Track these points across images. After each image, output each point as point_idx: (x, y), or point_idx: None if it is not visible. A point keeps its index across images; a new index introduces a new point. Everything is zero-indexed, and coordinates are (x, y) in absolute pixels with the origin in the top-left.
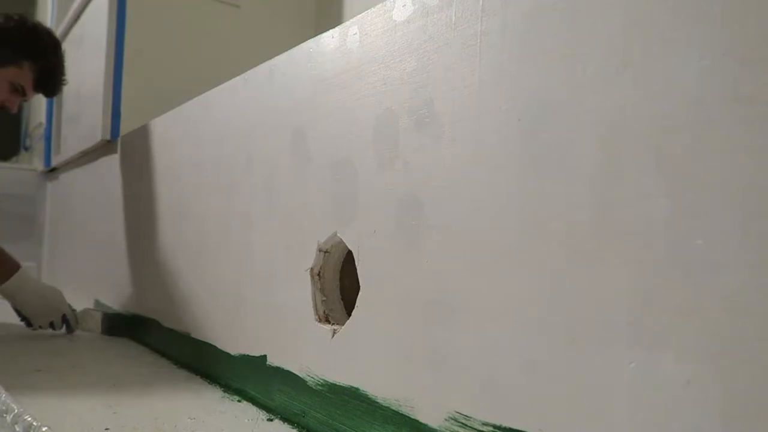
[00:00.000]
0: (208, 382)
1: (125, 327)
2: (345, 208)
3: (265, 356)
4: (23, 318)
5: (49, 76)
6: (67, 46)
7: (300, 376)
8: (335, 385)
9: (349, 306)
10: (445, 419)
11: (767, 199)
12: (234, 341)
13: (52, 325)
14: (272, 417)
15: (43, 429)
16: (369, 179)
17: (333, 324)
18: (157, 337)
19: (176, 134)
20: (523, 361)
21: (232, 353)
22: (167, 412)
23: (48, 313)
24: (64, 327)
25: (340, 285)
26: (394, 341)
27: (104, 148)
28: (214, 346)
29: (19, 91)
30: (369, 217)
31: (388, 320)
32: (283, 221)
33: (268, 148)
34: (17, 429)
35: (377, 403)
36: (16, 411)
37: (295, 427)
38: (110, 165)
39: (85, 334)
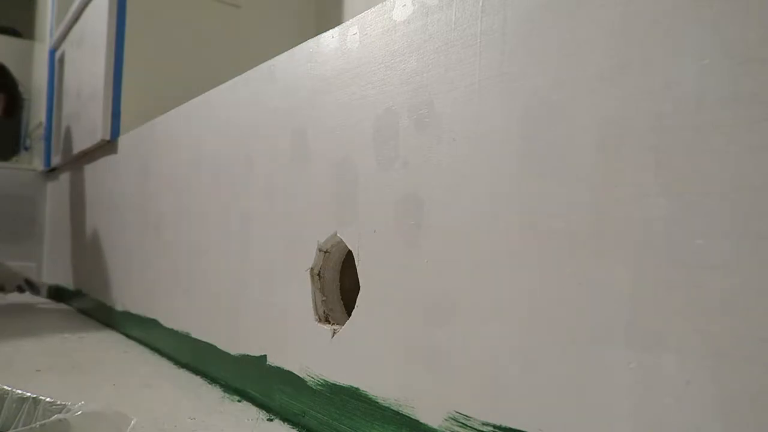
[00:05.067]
0: (208, 382)
1: (66, 295)
2: (345, 208)
3: (265, 356)
4: None
5: (15, 102)
6: (67, 46)
7: (300, 376)
8: (335, 385)
9: (349, 306)
10: (445, 419)
11: (767, 199)
12: (234, 341)
13: (20, 289)
14: (272, 417)
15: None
16: (369, 179)
17: (333, 324)
18: (157, 337)
19: (176, 134)
20: (523, 361)
21: (232, 353)
22: (167, 412)
23: (13, 279)
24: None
25: (340, 285)
26: (394, 341)
27: (104, 148)
28: (214, 346)
29: None
30: (369, 217)
31: (388, 320)
32: (283, 221)
33: (268, 148)
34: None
35: (377, 403)
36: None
37: (295, 427)
38: (110, 165)
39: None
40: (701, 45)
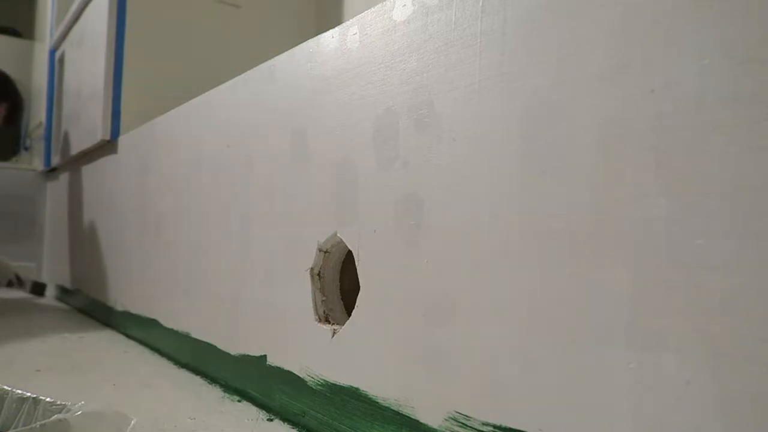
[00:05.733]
0: (208, 382)
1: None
2: (345, 207)
3: (265, 356)
4: None
5: (17, 111)
6: (67, 46)
7: (300, 376)
8: (335, 385)
9: (349, 306)
10: (445, 419)
11: (767, 199)
12: (234, 341)
13: (10, 284)
14: (272, 417)
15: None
16: (369, 179)
17: (333, 324)
18: (157, 337)
19: (176, 134)
20: (523, 361)
21: (232, 353)
22: (167, 412)
23: (5, 274)
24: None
25: (340, 285)
26: (394, 341)
27: (104, 148)
28: (214, 346)
29: None
30: (369, 217)
31: (388, 320)
32: (283, 221)
33: (268, 147)
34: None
35: (377, 403)
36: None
37: (295, 427)
38: (110, 165)
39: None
40: (701, 45)
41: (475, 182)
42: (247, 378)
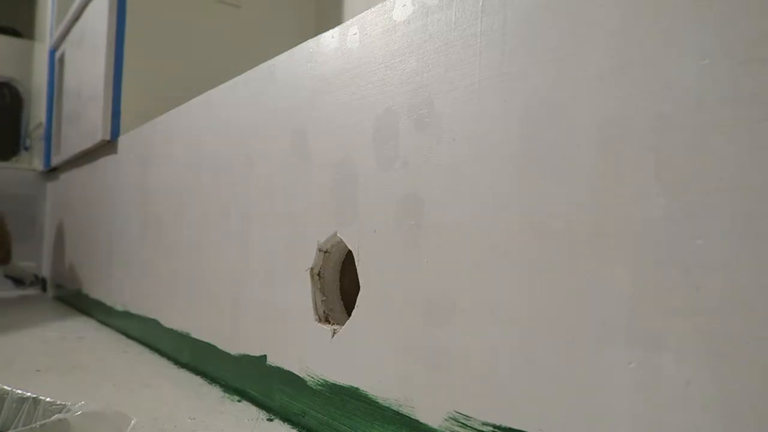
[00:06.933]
0: (208, 382)
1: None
2: (345, 207)
3: (265, 356)
4: (15, 280)
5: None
6: (67, 46)
7: (300, 376)
8: (335, 385)
9: (349, 306)
10: (445, 419)
11: (767, 199)
12: (234, 341)
13: (32, 283)
14: (272, 417)
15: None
16: (369, 179)
17: (333, 324)
18: (157, 337)
19: (176, 134)
20: (523, 361)
21: (232, 353)
22: (167, 412)
23: (27, 275)
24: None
25: (340, 285)
26: (394, 341)
27: (104, 148)
28: (214, 346)
29: None
30: (369, 217)
31: (388, 320)
32: (283, 221)
33: (268, 148)
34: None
35: (377, 403)
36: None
37: (295, 427)
38: (110, 165)
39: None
40: (701, 45)
41: (475, 182)
42: (247, 378)
